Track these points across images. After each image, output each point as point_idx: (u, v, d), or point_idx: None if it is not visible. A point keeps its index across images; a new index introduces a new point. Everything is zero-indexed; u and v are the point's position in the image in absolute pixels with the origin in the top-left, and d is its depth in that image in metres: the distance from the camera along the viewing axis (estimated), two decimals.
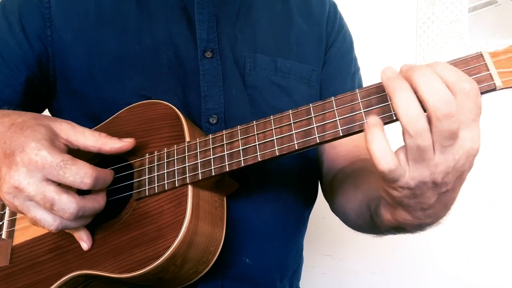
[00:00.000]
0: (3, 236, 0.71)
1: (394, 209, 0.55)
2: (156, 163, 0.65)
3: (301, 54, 0.86)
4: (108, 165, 0.68)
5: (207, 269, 0.66)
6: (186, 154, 0.63)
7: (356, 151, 0.86)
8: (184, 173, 0.62)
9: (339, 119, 0.54)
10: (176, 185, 0.62)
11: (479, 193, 1.42)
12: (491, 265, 1.52)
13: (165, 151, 0.65)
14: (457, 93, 0.46)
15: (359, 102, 0.53)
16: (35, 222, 0.58)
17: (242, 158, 0.59)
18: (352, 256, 1.66)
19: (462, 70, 0.49)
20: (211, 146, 0.62)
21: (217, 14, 0.81)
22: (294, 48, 0.86)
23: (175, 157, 0.63)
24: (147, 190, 0.64)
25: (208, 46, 0.78)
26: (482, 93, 0.48)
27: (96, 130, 0.72)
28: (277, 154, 0.57)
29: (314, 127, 0.55)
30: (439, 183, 0.49)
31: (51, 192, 0.55)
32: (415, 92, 0.46)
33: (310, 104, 0.57)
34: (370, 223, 0.65)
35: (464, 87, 0.46)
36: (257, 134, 0.59)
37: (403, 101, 0.45)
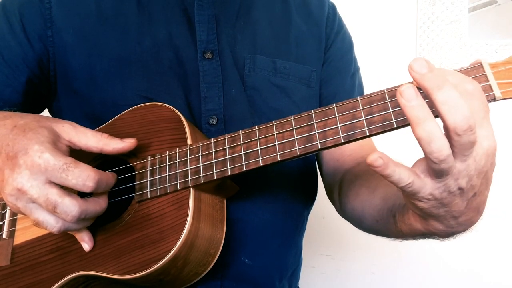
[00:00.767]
0: (4, 236, 0.71)
1: (425, 219, 0.54)
2: (158, 166, 0.65)
3: (301, 55, 0.86)
4: (109, 167, 0.69)
5: (207, 271, 0.66)
6: (188, 157, 0.63)
7: (361, 150, 0.86)
8: (186, 176, 0.62)
9: (340, 126, 0.55)
10: (178, 188, 0.62)
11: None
12: (491, 265, 1.53)
13: (167, 154, 0.65)
14: (461, 94, 0.46)
15: (360, 110, 0.54)
16: (37, 224, 0.58)
17: (244, 163, 0.59)
18: (352, 256, 1.67)
19: None
20: (213, 150, 0.62)
21: (217, 15, 0.81)
22: (293, 49, 0.86)
23: (177, 160, 0.64)
24: (149, 192, 0.64)
25: (207, 47, 0.78)
26: None
27: (98, 131, 0.73)
28: (279, 159, 0.57)
29: (315, 133, 0.56)
30: (465, 188, 0.48)
31: (54, 194, 0.55)
32: (433, 106, 0.44)
33: (312, 110, 0.57)
34: (392, 229, 0.64)
35: (467, 88, 0.46)
36: (259, 139, 0.59)
37: (426, 133, 0.44)
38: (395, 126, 0.52)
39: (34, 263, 0.67)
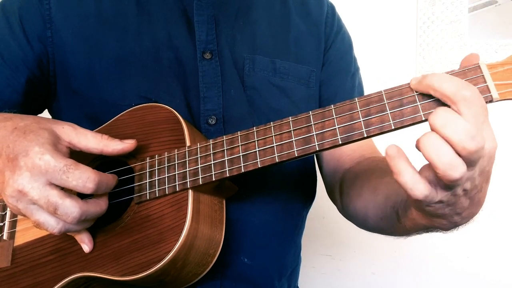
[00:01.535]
0: (4, 237, 0.72)
1: (430, 217, 0.55)
2: (156, 167, 0.65)
3: (300, 55, 0.86)
4: (108, 168, 0.69)
5: (206, 271, 0.67)
6: (187, 159, 0.63)
7: (360, 150, 0.87)
8: (184, 177, 0.62)
9: (338, 128, 0.55)
10: (177, 189, 0.62)
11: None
12: (491, 265, 1.53)
13: (166, 155, 0.65)
14: (459, 102, 0.46)
15: (358, 111, 0.54)
16: (38, 225, 0.58)
17: (242, 164, 0.59)
18: (352, 256, 1.66)
19: None
20: (211, 152, 0.62)
21: (216, 15, 0.81)
22: (292, 49, 0.86)
23: (176, 162, 0.64)
24: (148, 194, 0.64)
25: (207, 48, 0.78)
26: None
27: (97, 131, 0.73)
28: (277, 160, 0.57)
29: (313, 134, 0.56)
30: (469, 189, 0.50)
31: (55, 196, 0.56)
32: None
33: (310, 112, 0.57)
34: (396, 226, 0.65)
35: (464, 94, 0.46)
36: (257, 140, 0.60)
37: (442, 160, 0.46)
38: (393, 127, 0.52)
39: (34, 264, 0.67)
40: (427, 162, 0.48)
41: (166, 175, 0.64)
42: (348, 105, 0.55)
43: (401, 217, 0.62)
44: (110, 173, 0.66)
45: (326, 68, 0.90)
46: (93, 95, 0.76)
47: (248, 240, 0.77)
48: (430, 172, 0.48)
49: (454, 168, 0.45)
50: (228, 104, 0.78)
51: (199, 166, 0.62)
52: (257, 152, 0.59)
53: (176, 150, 0.65)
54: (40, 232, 0.68)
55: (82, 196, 0.61)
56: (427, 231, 0.61)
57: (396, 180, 0.49)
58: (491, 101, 0.50)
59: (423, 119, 0.51)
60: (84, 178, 0.57)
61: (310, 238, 1.62)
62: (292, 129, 0.58)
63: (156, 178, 0.64)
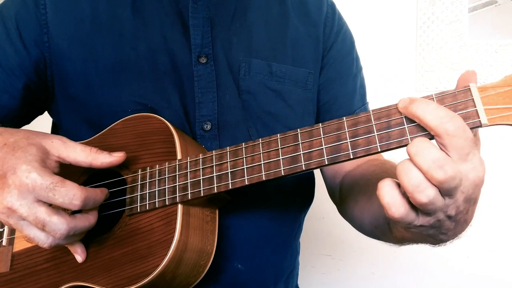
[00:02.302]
0: (4, 243, 0.73)
1: (416, 235, 0.56)
2: (148, 180, 0.66)
3: (297, 57, 0.85)
4: (101, 178, 0.70)
5: (197, 281, 0.68)
6: (177, 173, 0.64)
7: None
8: (174, 192, 0.63)
9: (325, 147, 0.55)
10: (167, 203, 0.63)
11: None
12: (491, 265, 1.53)
13: (157, 168, 0.66)
14: (442, 135, 0.46)
15: (345, 132, 0.54)
16: (29, 240, 0.60)
17: (230, 181, 0.60)
18: (352, 256, 1.67)
19: (448, 104, 0.49)
20: (201, 167, 0.63)
21: (212, 17, 0.80)
22: (289, 51, 0.85)
23: (166, 176, 0.65)
24: (138, 207, 0.65)
25: (202, 52, 0.78)
26: None
27: (90, 141, 0.74)
28: (264, 179, 0.58)
29: (300, 154, 0.56)
30: (454, 215, 0.51)
31: (42, 213, 0.57)
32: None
33: (298, 130, 0.57)
34: (389, 235, 0.66)
35: (447, 128, 0.46)
36: (245, 157, 0.60)
37: (410, 182, 0.47)
38: (379, 150, 0.52)
39: (31, 271, 0.69)
40: None
41: (157, 189, 0.64)
42: (336, 124, 0.55)
43: (392, 228, 0.62)
44: (102, 184, 0.68)
45: (326, 71, 0.89)
46: (89, 101, 0.77)
47: (242, 246, 0.78)
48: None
49: (421, 191, 0.46)
50: (223, 110, 0.78)
51: (189, 181, 0.63)
52: (245, 169, 0.59)
53: (167, 163, 0.65)
54: None
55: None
56: (416, 243, 0.62)
57: (377, 194, 0.50)
58: (480, 127, 0.48)
59: (410, 142, 0.51)
60: (70, 195, 0.58)
61: (310, 238, 1.63)
62: (280, 147, 0.58)
63: (147, 191, 0.65)
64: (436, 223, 0.51)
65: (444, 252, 1.55)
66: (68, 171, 0.65)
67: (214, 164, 0.62)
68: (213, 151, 0.63)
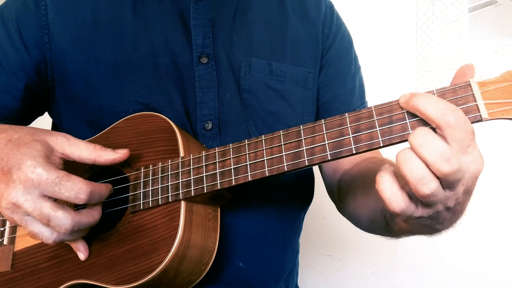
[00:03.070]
0: (5, 242, 0.73)
1: (414, 226, 0.57)
2: (150, 178, 0.66)
3: (297, 57, 0.86)
4: (105, 176, 0.70)
5: (200, 278, 0.68)
6: (180, 170, 0.64)
7: None
8: (177, 189, 0.63)
9: (328, 143, 0.55)
10: (170, 200, 0.63)
11: (479, 193, 1.42)
12: (491, 265, 1.53)
13: (160, 165, 0.66)
14: (443, 127, 0.47)
15: (348, 127, 0.54)
16: (33, 236, 0.60)
17: (233, 177, 0.60)
18: (352, 256, 1.67)
19: (449, 100, 0.50)
20: (204, 164, 0.63)
21: (213, 18, 0.80)
22: (289, 51, 0.85)
23: (169, 173, 0.65)
24: (141, 204, 0.65)
25: (203, 52, 0.78)
26: None
27: (93, 140, 0.74)
28: (267, 174, 0.58)
29: (303, 149, 0.57)
30: (452, 207, 0.52)
31: (47, 208, 0.57)
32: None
33: (301, 126, 0.58)
34: (385, 229, 0.67)
35: (448, 120, 0.47)
36: (248, 153, 0.60)
37: (413, 175, 0.47)
38: (381, 144, 0.52)
39: (33, 270, 0.69)
40: None
41: (160, 186, 0.65)
42: (338, 120, 0.55)
43: (389, 221, 0.64)
44: (105, 182, 0.68)
45: (325, 71, 0.89)
46: (91, 102, 0.77)
47: (243, 244, 0.78)
48: (410, 187, 0.49)
49: (424, 184, 0.47)
50: (224, 109, 0.78)
51: (192, 178, 0.63)
52: (248, 165, 0.60)
53: (170, 160, 0.66)
54: None
55: (76, 205, 0.62)
56: (413, 235, 0.63)
57: (377, 189, 0.50)
58: (480, 121, 0.49)
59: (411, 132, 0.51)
60: (76, 189, 0.58)
61: (310, 238, 1.63)
62: (282, 143, 0.58)
63: (150, 188, 0.65)
64: (434, 214, 0.52)
65: (444, 252, 1.56)
66: (71, 168, 0.65)
67: (217, 160, 0.62)
68: (216, 148, 0.63)
